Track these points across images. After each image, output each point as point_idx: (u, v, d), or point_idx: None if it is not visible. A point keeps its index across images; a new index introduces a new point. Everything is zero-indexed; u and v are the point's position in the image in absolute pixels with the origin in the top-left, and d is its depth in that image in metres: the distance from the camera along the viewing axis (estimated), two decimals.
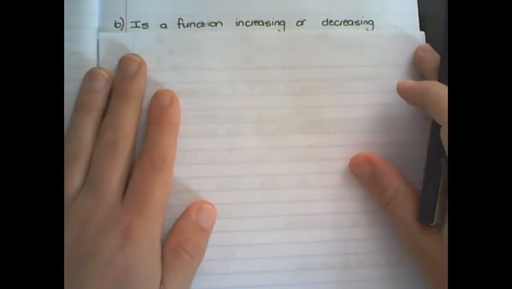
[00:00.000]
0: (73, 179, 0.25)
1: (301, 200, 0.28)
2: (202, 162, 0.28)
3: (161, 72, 0.28)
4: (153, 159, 0.26)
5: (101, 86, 0.27)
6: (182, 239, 0.26)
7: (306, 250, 0.28)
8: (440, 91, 0.24)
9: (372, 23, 0.30)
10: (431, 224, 0.25)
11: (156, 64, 0.28)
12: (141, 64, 0.28)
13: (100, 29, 0.29)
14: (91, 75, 0.27)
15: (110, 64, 0.28)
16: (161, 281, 0.24)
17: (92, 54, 0.28)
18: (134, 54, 0.28)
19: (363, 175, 0.28)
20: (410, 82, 0.27)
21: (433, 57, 0.28)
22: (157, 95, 0.28)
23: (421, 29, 0.30)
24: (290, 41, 0.29)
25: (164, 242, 0.26)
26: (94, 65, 0.28)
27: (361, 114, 0.29)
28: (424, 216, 0.25)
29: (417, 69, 0.29)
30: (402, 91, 0.27)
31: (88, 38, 0.28)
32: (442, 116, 0.23)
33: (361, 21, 0.30)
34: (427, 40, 0.29)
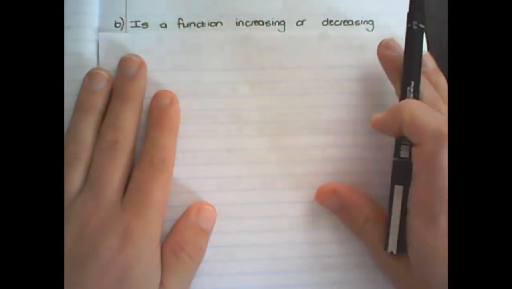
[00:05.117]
0: (73, 179, 0.25)
1: (301, 201, 0.28)
2: (202, 162, 0.28)
3: (161, 73, 0.28)
4: (153, 160, 0.26)
5: (101, 87, 0.27)
6: (181, 240, 0.26)
7: (306, 251, 0.28)
8: (414, 108, 0.23)
9: (372, 23, 0.30)
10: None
11: (156, 65, 0.28)
12: (141, 64, 0.27)
13: (100, 29, 0.29)
14: (91, 75, 0.27)
15: (110, 64, 0.28)
16: (161, 282, 0.25)
17: (92, 54, 0.28)
18: (134, 55, 0.28)
19: (331, 207, 0.27)
20: (381, 114, 0.25)
21: (396, 55, 0.26)
22: (157, 96, 0.28)
23: None
24: (290, 41, 0.29)
25: (163, 243, 0.26)
26: (94, 65, 0.28)
27: (361, 115, 0.29)
28: (400, 247, 0.24)
29: (381, 67, 0.27)
30: (379, 126, 0.25)
31: (88, 38, 0.28)
32: (421, 134, 0.22)
33: (361, 21, 0.30)
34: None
